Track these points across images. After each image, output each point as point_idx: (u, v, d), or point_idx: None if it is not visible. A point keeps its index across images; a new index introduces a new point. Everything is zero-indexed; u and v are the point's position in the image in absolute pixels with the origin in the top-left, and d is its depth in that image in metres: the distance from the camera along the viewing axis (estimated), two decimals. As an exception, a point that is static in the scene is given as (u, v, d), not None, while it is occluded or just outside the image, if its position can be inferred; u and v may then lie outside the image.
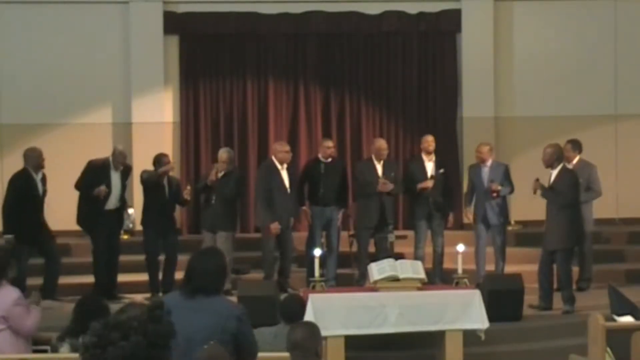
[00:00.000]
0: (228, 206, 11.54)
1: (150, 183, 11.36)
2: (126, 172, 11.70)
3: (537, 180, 10.70)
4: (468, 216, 11.94)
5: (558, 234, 10.46)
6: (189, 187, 11.93)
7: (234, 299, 10.14)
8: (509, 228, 12.69)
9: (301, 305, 7.39)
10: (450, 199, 12.08)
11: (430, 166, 11.86)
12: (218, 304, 5.36)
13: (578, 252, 11.70)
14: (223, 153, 11.75)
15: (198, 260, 5.48)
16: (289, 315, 7.13)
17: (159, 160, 11.59)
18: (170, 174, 11.74)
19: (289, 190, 11.66)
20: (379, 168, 11.81)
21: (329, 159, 11.97)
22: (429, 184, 11.70)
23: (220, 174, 11.48)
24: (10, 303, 6.95)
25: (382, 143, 12.11)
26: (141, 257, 11.47)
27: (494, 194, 11.51)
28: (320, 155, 12.10)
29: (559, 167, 10.69)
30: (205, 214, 11.77)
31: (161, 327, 3.07)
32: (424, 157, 11.90)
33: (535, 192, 10.76)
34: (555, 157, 10.70)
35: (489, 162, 11.78)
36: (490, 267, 11.66)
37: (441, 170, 11.85)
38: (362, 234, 11.87)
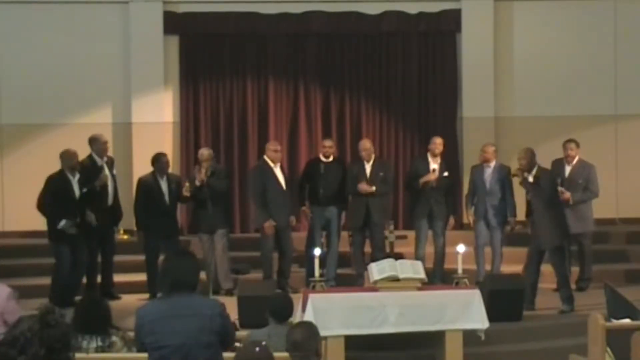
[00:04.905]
0: (223, 204, 11.61)
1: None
2: (111, 162, 11.63)
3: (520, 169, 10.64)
4: (469, 218, 11.92)
5: (549, 232, 10.47)
6: (187, 184, 11.81)
7: (233, 299, 10.17)
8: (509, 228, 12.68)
9: (289, 304, 7.37)
10: (453, 202, 12.03)
11: (435, 168, 11.78)
12: (198, 305, 5.31)
13: (578, 251, 11.72)
14: (204, 151, 11.80)
15: (173, 262, 5.44)
16: (278, 314, 7.11)
17: (158, 159, 11.54)
18: (169, 171, 11.71)
19: (284, 188, 11.67)
20: (368, 168, 11.78)
21: (330, 159, 11.96)
22: (431, 176, 11.64)
23: (208, 173, 11.45)
24: (4, 297, 6.73)
25: (363, 143, 12.06)
26: (141, 257, 11.43)
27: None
28: (320, 155, 12.10)
29: (535, 169, 10.63)
30: (201, 216, 11.60)
31: (56, 330, 3.12)
32: (430, 158, 11.79)
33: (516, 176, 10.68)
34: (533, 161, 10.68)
35: (492, 163, 11.75)
36: (489, 266, 11.67)
37: (445, 173, 11.79)
38: (354, 234, 11.87)
